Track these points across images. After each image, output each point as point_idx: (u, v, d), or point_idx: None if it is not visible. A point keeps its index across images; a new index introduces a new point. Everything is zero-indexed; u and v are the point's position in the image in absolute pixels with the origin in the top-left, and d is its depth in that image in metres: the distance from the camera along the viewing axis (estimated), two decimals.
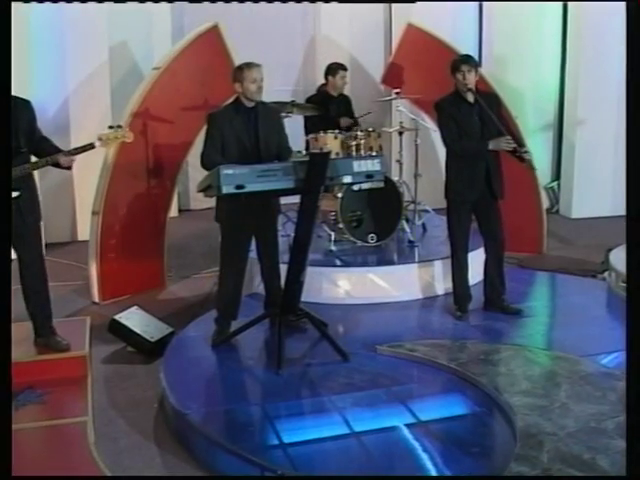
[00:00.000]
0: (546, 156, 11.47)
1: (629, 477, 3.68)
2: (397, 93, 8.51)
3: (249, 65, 6.06)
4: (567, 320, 6.74)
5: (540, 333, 6.51)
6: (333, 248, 7.69)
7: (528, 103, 11.13)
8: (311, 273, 6.99)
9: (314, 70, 11.28)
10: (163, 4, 10.26)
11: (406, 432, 4.83)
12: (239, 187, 5.32)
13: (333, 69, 8.90)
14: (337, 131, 7.94)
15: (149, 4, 9.41)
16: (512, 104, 9.81)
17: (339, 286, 7.23)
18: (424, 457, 4.54)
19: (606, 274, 7.65)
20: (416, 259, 7.58)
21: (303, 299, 6.29)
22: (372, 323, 6.83)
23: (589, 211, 10.78)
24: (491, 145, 6.39)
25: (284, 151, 6.14)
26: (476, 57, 10.73)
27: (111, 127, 6.03)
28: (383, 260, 7.62)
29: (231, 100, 6.22)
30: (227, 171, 5.31)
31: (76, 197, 10.11)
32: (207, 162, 5.86)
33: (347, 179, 5.75)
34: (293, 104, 8.17)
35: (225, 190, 5.32)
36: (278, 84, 10.43)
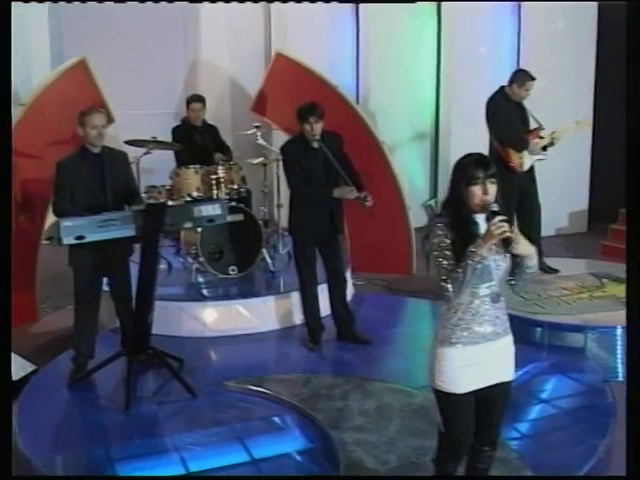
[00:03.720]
0: (423, 173, 11.78)
1: (629, 477, 3.86)
2: (257, 127, 8.71)
3: (90, 111, 6.19)
4: (416, 348, 6.90)
5: (386, 363, 6.77)
6: (194, 281, 7.88)
7: (404, 125, 11.41)
8: (172, 307, 7.25)
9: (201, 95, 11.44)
10: (43, 30, 10.33)
11: (237, 471, 5.08)
12: (79, 238, 5.52)
13: (187, 101, 9.07)
14: (198, 166, 8.08)
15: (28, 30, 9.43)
16: (388, 122, 10.15)
17: (199, 319, 7.44)
18: None
19: None
20: (275, 290, 7.85)
21: (164, 333, 6.51)
22: (228, 357, 7.09)
23: None
24: (335, 193, 6.67)
25: (132, 195, 6.29)
26: (352, 75, 11.22)
27: None
28: (243, 292, 7.87)
29: (80, 147, 6.33)
30: (66, 223, 5.50)
31: None
32: (58, 210, 6.00)
33: (188, 224, 5.96)
34: (154, 141, 8.28)
35: (65, 241, 5.51)
36: (160, 108, 10.56)
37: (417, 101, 11.71)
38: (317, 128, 6.61)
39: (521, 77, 7.99)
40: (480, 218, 3.96)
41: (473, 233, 3.90)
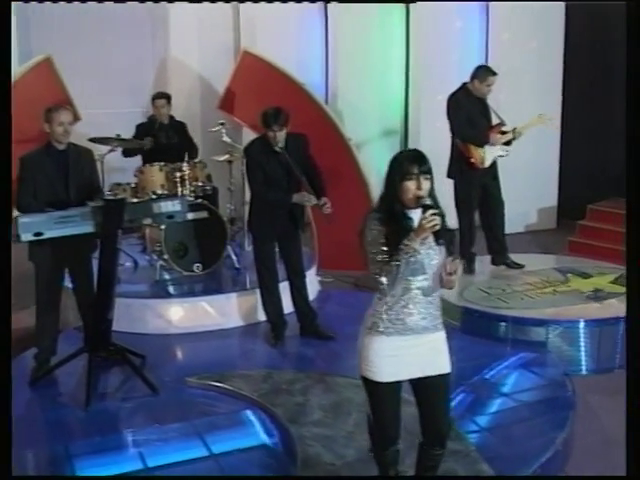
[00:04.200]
0: None
1: (629, 477, 3.88)
2: (222, 124, 8.72)
3: (56, 108, 6.20)
4: None
5: (348, 359, 6.69)
6: (159, 278, 7.89)
7: (373, 123, 11.44)
8: (136, 304, 7.25)
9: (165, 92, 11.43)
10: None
11: (195, 466, 5.10)
12: (37, 234, 5.52)
13: (152, 98, 9.07)
14: (162, 163, 8.09)
15: None
16: (357, 120, 10.17)
17: (164, 316, 7.43)
18: None
19: None
20: (240, 287, 7.88)
21: (128, 330, 6.53)
22: (191, 353, 7.11)
23: None
24: (294, 199, 6.69)
25: (95, 192, 6.28)
26: (322, 73, 11.24)
27: None
28: (207, 289, 7.88)
29: (45, 143, 6.32)
30: (24, 219, 5.50)
31: None
32: (21, 206, 5.98)
33: (147, 221, 5.98)
34: (118, 139, 8.27)
35: (23, 238, 5.51)
36: (129, 106, 10.54)
37: (386, 99, 11.72)
38: (280, 136, 6.62)
39: (482, 73, 8.01)
40: (414, 213, 4.00)
41: (406, 227, 3.95)
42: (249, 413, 5.81)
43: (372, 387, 4.15)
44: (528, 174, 11.25)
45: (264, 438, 5.50)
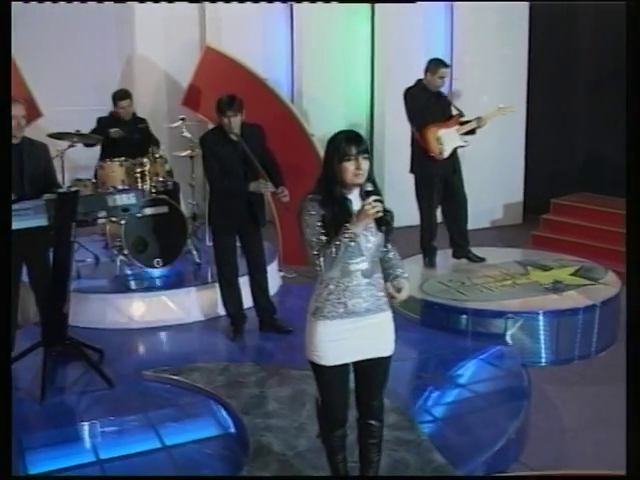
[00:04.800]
0: None
1: (629, 477, 3.87)
2: (182, 119, 8.72)
3: (12, 102, 6.16)
4: None
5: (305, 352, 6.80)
6: (119, 273, 7.87)
7: (339, 119, 11.44)
8: (96, 299, 7.23)
9: (131, 89, 11.38)
10: None
11: (148, 457, 5.11)
12: None
13: (113, 97, 9.04)
14: (123, 158, 8.07)
15: None
16: (322, 116, 10.18)
17: (124, 311, 7.43)
18: None
19: None
20: (200, 281, 7.90)
21: (89, 325, 6.56)
22: (151, 347, 7.12)
23: (397, 221, 11.13)
24: (251, 187, 6.67)
25: (51, 186, 6.25)
26: (287, 71, 11.26)
27: None
28: (168, 284, 7.89)
29: None
30: None
31: None
32: None
33: (102, 214, 5.96)
34: (78, 134, 8.24)
35: None
36: (94, 104, 10.49)
37: (352, 96, 11.77)
38: (234, 122, 6.60)
39: (433, 65, 8.04)
40: (352, 195, 4.02)
41: (345, 210, 3.97)
42: (204, 405, 5.82)
43: (318, 371, 4.19)
44: (494, 170, 11.32)
45: (218, 429, 5.51)
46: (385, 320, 4.20)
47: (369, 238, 4.02)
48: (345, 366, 4.17)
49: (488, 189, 11.23)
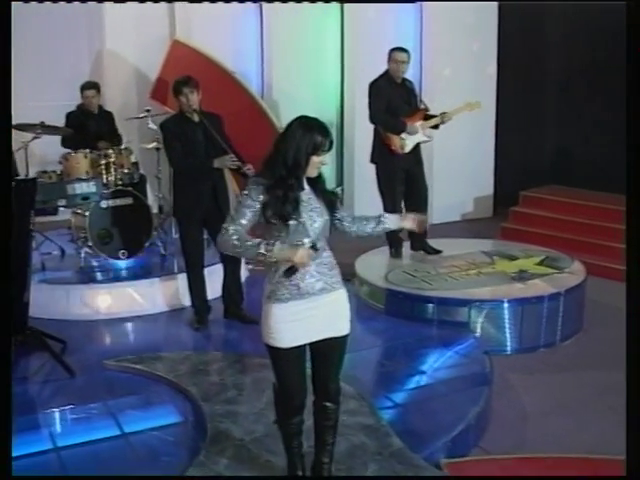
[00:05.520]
0: (329, 161, 11.74)
1: (629, 477, 3.83)
2: (147, 110, 8.72)
3: None
4: None
5: None
6: (83, 265, 7.85)
7: (309, 114, 11.41)
8: (61, 290, 7.21)
9: (101, 84, 11.36)
10: None
11: (106, 444, 5.10)
12: None
13: (81, 88, 9.03)
14: (87, 150, 8.05)
15: None
16: (293, 111, 10.14)
17: (89, 302, 7.40)
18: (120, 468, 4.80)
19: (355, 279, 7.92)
20: (165, 272, 7.89)
21: (53, 317, 6.59)
22: (115, 338, 7.12)
23: (367, 212, 11.13)
24: (216, 163, 6.65)
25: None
26: (257, 65, 11.26)
27: None
28: (133, 275, 7.87)
29: None
30: None
31: None
32: None
33: (62, 202, 5.94)
34: (42, 125, 8.20)
35: None
36: (64, 99, 10.45)
37: (322, 90, 11.76)
38: (193, 99, 6.62)
39: (392, 52, 8.09)
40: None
41: (294, 207, 3.94)
42: (164, 393, 5.82)
43: (274, 354, 4.15)
44: (464, 164, 11.35)
45: (177, 417, 5.51)
46: (340, 298, 4.19)
47: (315, 219, 4.01)
48: (302, 348, 4.14)
49: (459, 183, 11.28)
